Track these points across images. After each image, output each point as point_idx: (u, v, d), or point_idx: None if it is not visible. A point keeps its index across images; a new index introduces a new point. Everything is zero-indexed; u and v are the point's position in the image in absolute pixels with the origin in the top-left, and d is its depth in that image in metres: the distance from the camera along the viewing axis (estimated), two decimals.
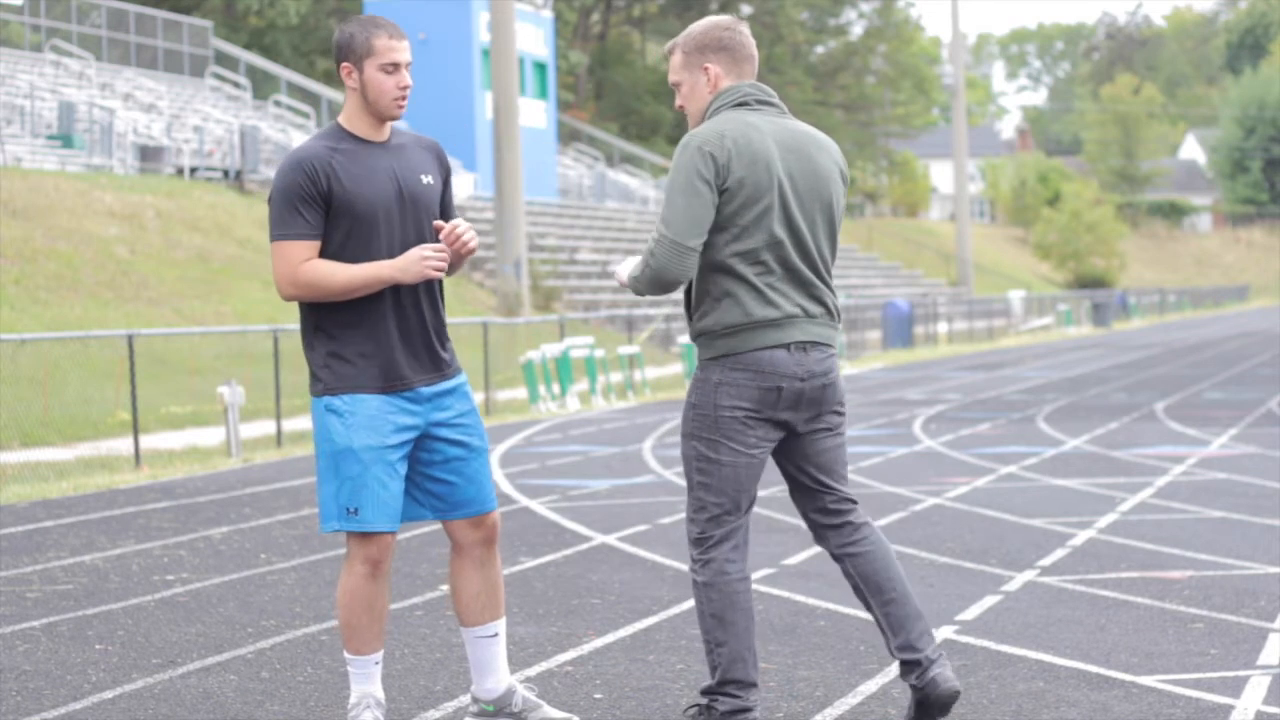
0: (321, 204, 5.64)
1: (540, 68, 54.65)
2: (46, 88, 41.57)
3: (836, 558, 5.90)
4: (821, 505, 5.90)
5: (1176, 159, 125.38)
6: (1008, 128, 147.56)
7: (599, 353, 26.18)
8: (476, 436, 5.87)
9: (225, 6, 59.91)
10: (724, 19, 5.85)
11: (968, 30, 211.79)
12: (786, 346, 5.69)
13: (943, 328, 50.77)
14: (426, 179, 5.81)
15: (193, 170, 40.37)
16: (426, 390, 5.77)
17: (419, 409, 5.75)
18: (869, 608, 5.88)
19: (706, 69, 5.81)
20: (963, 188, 71.58)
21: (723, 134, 5.67)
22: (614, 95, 77.45)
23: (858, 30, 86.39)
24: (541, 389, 24.41)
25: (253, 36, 59.20)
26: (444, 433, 5.80)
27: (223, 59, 52.65)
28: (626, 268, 5.87)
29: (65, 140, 38.50)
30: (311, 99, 51.86)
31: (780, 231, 5.69)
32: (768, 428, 5.76)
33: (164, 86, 46.84)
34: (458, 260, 5.80)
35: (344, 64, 5.71)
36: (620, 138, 71.05)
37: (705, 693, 5.84)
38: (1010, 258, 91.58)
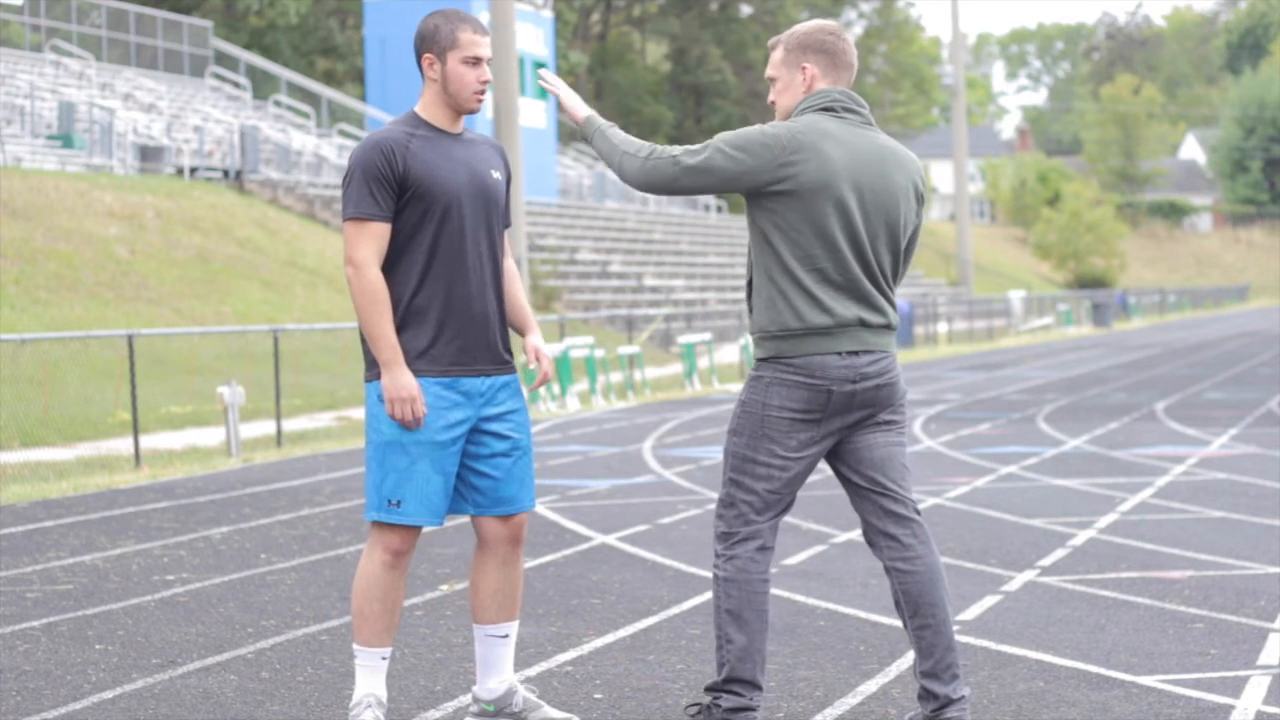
0: (395, 186, 5.71)
1: (540, 68, 54.59)
2: (46, 88, 41.57)
3: (886, 570, 5.86)
4: (878, 508, 5.83)
5: (1176, 159, 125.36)
6: (1008, 128, 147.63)
7: (599, 353, 26.18)
8: (524, 434, 5.90)
9: (225, 6, 59.91)
10: (829, 24, 5.89)
11: (968, 30, 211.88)
12: (838, 353, 5.68)
13: (943, 328, 50.77)
14: (496, 174, 5.90)
15: (193, 170, 40.37)
16: (482, 381, 5.80)
17: (471, 401, 5.78)
18: (904, 625, 5.87)
19: (804, 68, 5.82)
20: (963, 188, 71.61)
21: (796, 134, 5.67)
22: (614, 95, 77.45)
23: (858, 30, 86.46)
24: (541, 389, 24.41)
25: (253, 36, 59.19)
26: (493, 427, 5.83)
27: (223, 59, 52.64)
28: (574, 101, 5.87)
29: (65, 140, 38.49)
30: (311, 99, 51.87)
31: (840, 240, 5.67)
32: (814, 432, 5.73)
33: (164, 86, 46.83)
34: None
35: (426, 54, 5.79)
36: None
37: (710, 689, 5.84)
38: (1010, 258, 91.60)
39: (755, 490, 5.76)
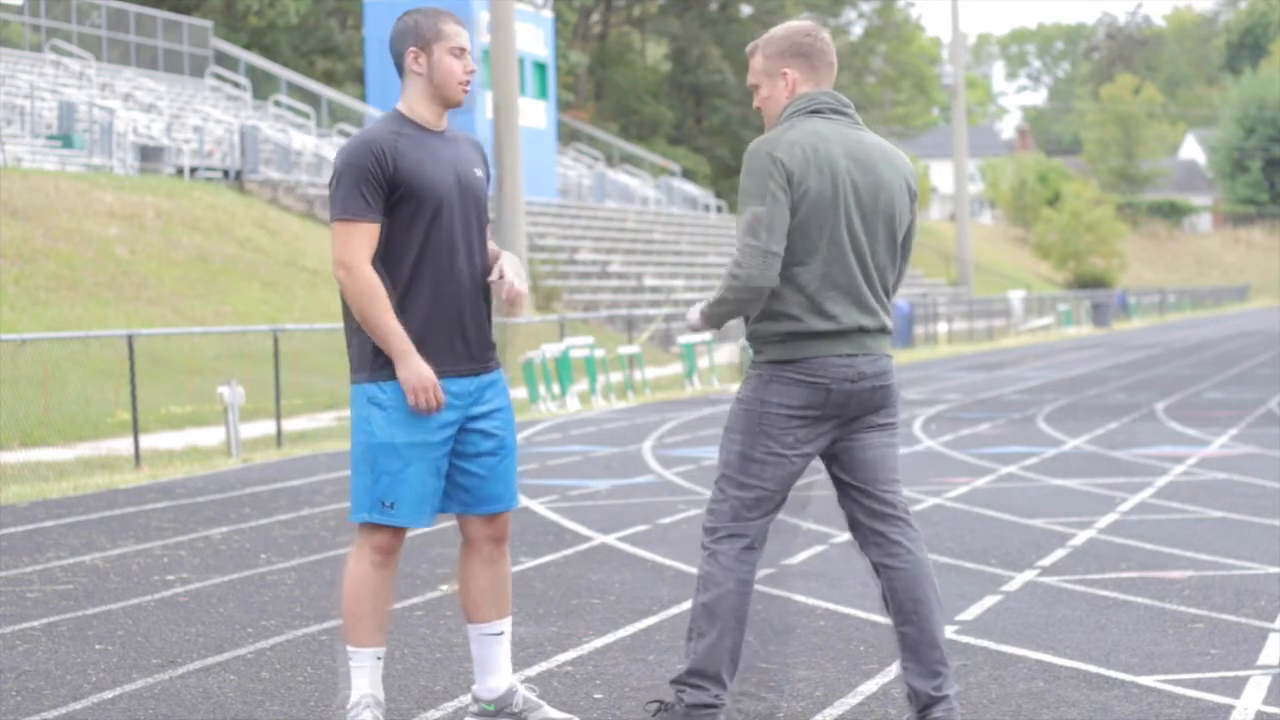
0: (385, 187, 5.68)
1: (540, 68, 54.63)
2: (46, 88, 41.56)
3: (873, 567, 5.85)
4: (866, 508, 5.82)
5: (1176, 159, 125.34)
6: (1008, 128, 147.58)
7: (599, 353, 26.18)
8: (509, 433, 5.91)
9: (225, 6, 59.88)
10: (806, 24, 5.86)
11: (968, 30, 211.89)
12: (837, 355, 5.67)
13: (943, 328, 50.77)
14: (479, 172, 5.89)
15: (193, 170, 40.37)
16: (470, 381, 5.79)
17: (460, 401, 5.77)
18: (892, 622, 5.85)
19: (785, 74, 5.80)
20: (963, 188, 71.57)
21: (794, 142, 5.65)
22: (614, 95, 77.42)
23: (858, 30, 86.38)
24: (541, 389, 24.41)
25: (253, 36, 59.16)
26: (480, 425, 5.83)
27: (223, 59, 52.62)
28: (695, 312, 5.85)
29: (65, 140, 38.48)
30: (311, 99, 51.85)
31: (843, 244, 5.66)
32: (809, 430, 5.72)
33: (164, 86, 46.83)
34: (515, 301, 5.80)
35: (411, 49, 5.76)
36: (620, 138, 71.02)
37: (674, 682, 5.80)
38: (1010, 258, 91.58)
39: (749, 486, 5.74)
